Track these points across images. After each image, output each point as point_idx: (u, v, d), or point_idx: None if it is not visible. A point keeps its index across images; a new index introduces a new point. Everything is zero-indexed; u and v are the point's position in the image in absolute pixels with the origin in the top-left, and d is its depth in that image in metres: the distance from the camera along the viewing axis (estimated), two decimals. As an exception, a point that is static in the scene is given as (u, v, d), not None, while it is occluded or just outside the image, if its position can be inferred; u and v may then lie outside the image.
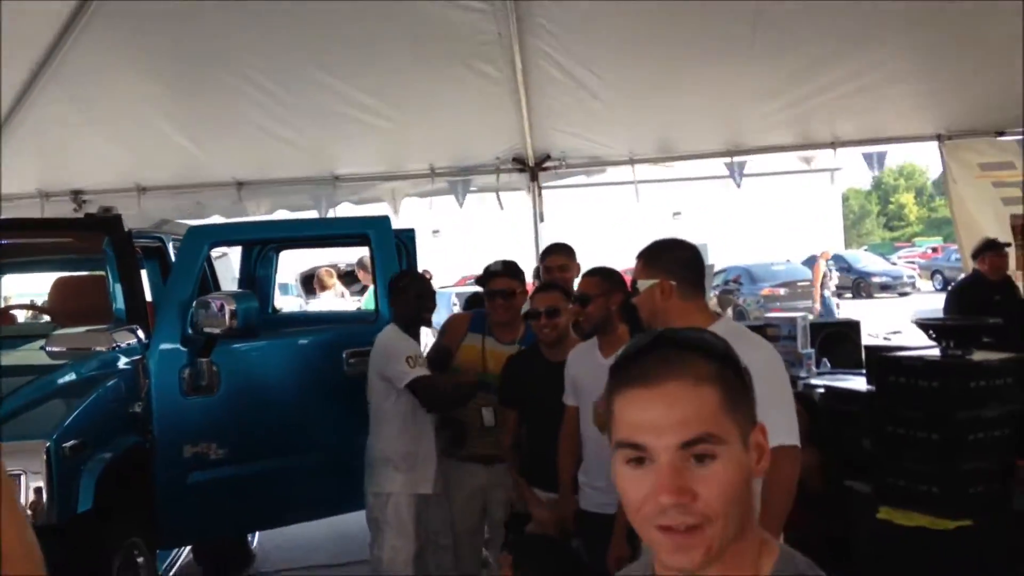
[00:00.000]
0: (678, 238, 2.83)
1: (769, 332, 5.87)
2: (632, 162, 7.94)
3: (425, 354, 4.20)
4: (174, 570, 5.09)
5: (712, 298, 11.20)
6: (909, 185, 55.01)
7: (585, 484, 3.36)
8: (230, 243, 5.05)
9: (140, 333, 3.99)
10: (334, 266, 10.54)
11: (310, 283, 14.32)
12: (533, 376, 3.76)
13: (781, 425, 2.44)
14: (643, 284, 2.69)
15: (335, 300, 8.95)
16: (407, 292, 4.05)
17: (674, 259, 2.71)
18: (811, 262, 24.55)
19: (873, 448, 3.72)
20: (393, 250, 4.60)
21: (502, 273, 4.07)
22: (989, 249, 6.48)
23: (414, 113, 7.33)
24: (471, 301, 5.97)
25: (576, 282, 4.00)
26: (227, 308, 3.82)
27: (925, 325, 3.78)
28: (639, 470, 1.08)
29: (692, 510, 1.06)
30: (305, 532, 5.26)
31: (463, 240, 32.57)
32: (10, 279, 7.24)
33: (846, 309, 18.83)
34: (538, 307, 3.75)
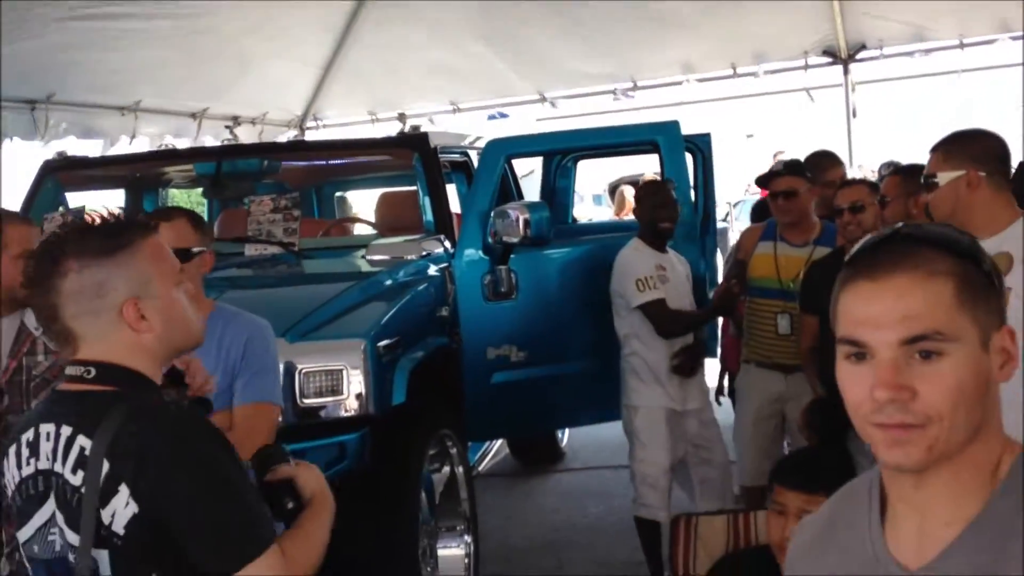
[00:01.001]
0: (980, 128, 2.55)
1: None
2: (962, 45, 7.10)
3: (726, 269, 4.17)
4: (492, 464, 5.55)
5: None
6: None
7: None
8: (524, 154, 5.25)
9: (446, 243, 4.29)
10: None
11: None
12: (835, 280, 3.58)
13: None
14: (945, 177, 2.43)
15: None
16: (644, 202, 3.99)
17: (983, 148, 2.46)
18: None
19: None
20: (682, 157, 4.53)
21: (783, 173, 3.90)
22: None
23: (713, 11, 7.07)
24: (757, 210, 5.79)
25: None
26: (521, 218, 3.99)
27: None
28: (859, 366, 1.02)
29: (911, 408, 0.98)
30: (609, 433, 5.46)
31: (778, 143, 31.11)
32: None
33: None
34: (841, 204, 3.54)
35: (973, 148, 2.46)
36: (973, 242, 1.06)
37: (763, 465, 3.88)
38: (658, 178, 4.52)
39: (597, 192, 18.10)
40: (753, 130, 33.02)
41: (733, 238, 13.74)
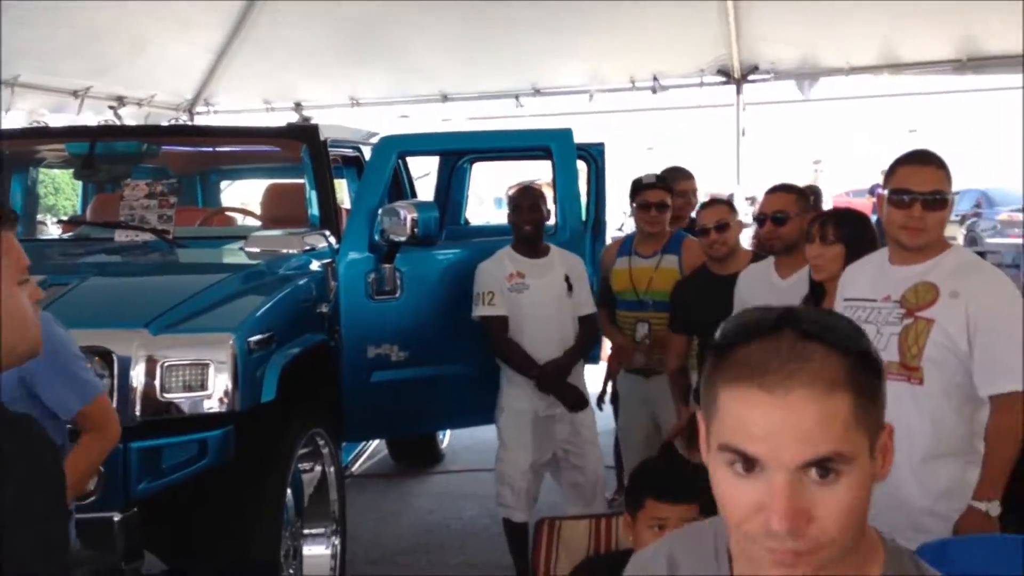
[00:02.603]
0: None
1: (990, 260, 5.42)
2: (848, 71, 7.40)
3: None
4: (369, 464, 5.47)
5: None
6: None
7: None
8: (417, 153, 5.19)
9: (331, 238, 4.21)
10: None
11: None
12: (704, 297, 3.65)
13: (1009, 370, 2.30)
14: (950, 197, 2.43)
15: None
16: (509, 207, 4.05)
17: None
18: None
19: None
20: (574, 164, 4.55)
21: (656, 185, 4.04)
22: None
23: (616, 25, 7.18)
24: None
25: (760, 200, 3.83)
26: (409, 217, 3.93)
27: None
28: (745, 480, 0.94)
29: (805, 534, 0.92)
30: (492, 434, 5.45)
31: (676, 157, 31.94)
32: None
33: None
34: (706, 223, 3.66)
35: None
36: (856, 330, 0.99)
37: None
38: (535, 183, 4.55)
39: (498, 195, 18.19)
40: (653, 143, 33.76)
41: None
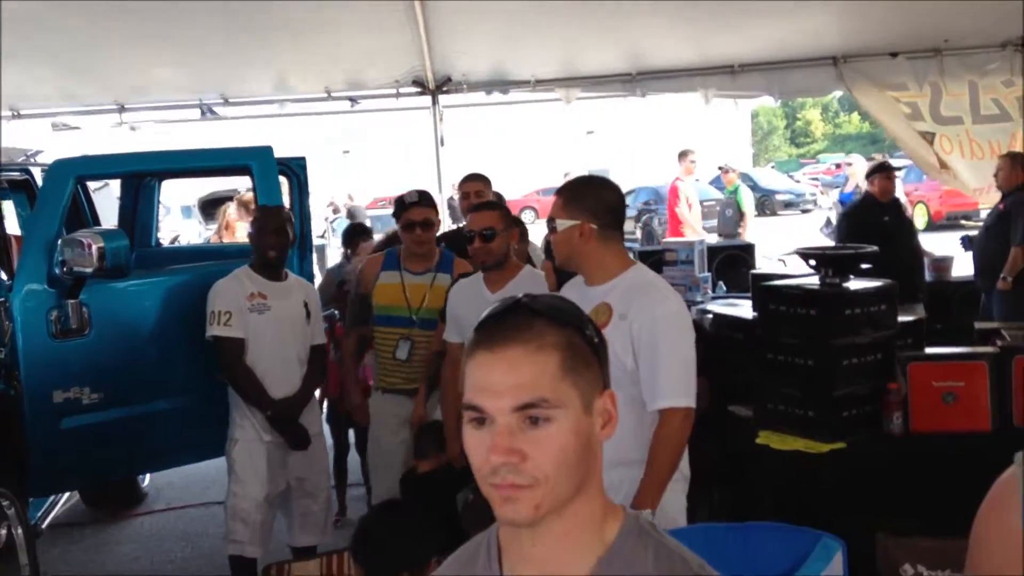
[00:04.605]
0: (602, 177, 2.70)
1: (667, 257, 5.95)
2: (534, 84, 7.81)
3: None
4: (60, 513, 4.97)
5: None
6: (816, 102, 55.83)
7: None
8: (99, 176, 4.78)
9: (2, 274, 3.77)
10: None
11: (210, 209, 13.63)
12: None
13: (673, 386, 2.46)
14: (562, 224, 2.56)
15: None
16: (256, 227, 3.89)
17: (597, 200, 2.59)
18: (718, 182, 25.10)
19: (753, 374, 3.79)
20: (276, 181, 4.43)
21: (418, 203, 3.91)
22: (879, 171, 6.65)
23: (308, 35, 7.03)
24: (348, 234, 5.92)
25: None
26: (94, 247, 3.62)
27: (806, 255, 3.82)
28: (480, 431, 1.10)
29: (521, 470, 1.08)
30: (199, 470, 5.16)
31: (371, 161, 32.14)
32: None
33: (752, 227, 19.13)
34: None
35: (588, 200, 2.57)
36: (578, 313, 1.19)
37: (394, 486, 3.90)
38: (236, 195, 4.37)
39: (186, 204, 17.24)
40: (350, 146, 33.74)
41: (331, 255, 13.81)
